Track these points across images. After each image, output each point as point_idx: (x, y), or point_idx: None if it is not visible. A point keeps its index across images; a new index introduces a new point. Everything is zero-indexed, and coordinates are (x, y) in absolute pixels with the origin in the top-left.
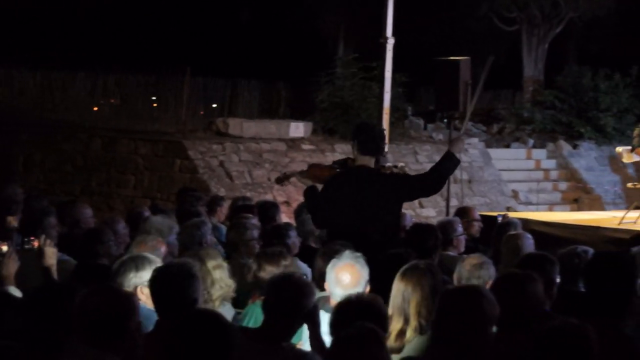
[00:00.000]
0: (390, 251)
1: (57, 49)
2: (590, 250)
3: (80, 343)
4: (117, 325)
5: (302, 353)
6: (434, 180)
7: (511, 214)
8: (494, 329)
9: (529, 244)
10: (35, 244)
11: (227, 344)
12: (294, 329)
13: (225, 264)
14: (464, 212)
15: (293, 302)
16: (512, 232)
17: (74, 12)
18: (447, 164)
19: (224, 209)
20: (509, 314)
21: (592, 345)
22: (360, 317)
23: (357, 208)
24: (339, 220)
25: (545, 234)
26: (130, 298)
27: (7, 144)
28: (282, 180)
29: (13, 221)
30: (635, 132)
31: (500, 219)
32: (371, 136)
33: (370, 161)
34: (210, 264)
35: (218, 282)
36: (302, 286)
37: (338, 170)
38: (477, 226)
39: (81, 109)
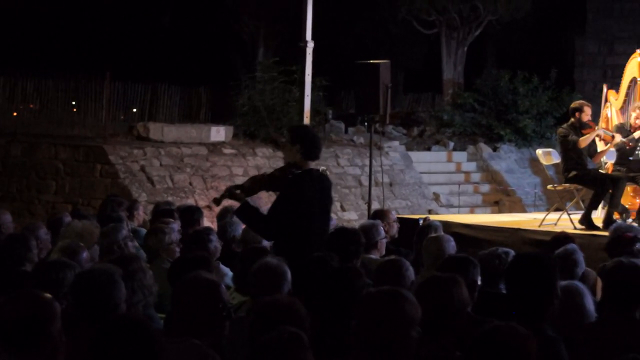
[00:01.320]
0: (314, 255)
1: None
2: (511, 252)
3: (1, 350)
4: (37, 331)
5: (206, 351)
6: None
7: (432, 217)
8: (417, 332)
9: (449, 246)
10: None
11: (152, 349)
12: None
13: (147, 269)
14: (382, 215)
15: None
16: (433, 235)
17: None
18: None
19: (141, 213)
20: (433, 317)
21: (530, 350)
22: (280, 320)
23: (322, 212)
24: (310, 225)
25: (466, 236)
26: (52, 303)
27: None
28: (220, 200)
29: None
30: (562, 132)
31: (421, 222)
32: (315, 141)
33: (311, 165)
34: (133, 268)
35: (141, 287)
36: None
37: (290, 175)
38: (396, 227)
39: (0, 114)
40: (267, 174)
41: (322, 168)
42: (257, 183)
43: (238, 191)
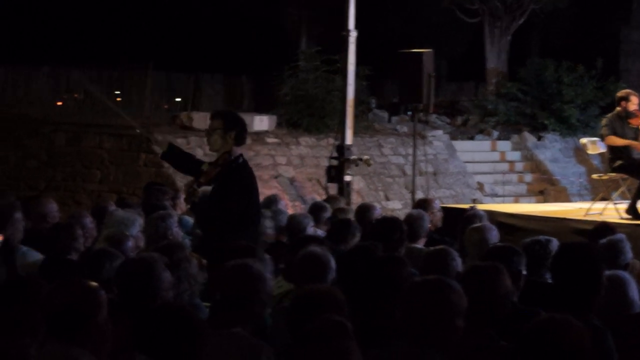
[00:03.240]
0: (357, 244)
1: (20, 44)
2: (553, 240)
3: (48, 338)
4: (85, 319)
5: (251, 340)
6: None
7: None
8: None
9: (492, 235)
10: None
11: (195, 338)
12: (246, 316)
13: (193, 257)
14: (426, 204)
15: (243, 290)
16: (475, 225)
17: (37, 6)
18: None
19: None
20: (477, 307)
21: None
22: (318, 309)
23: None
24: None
25: (511, 225)
26: (98, 292)
27: None
28: (191, 196)
29: None
30: (603, 122)
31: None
32: (245, 127)
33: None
34: (178, 257)
35: (184, 276)
36: (254, 273)
37: (234, 164)
38: (440, 217)
39: (45, 104)
40: (210, 168)
41: (365, 157)
42: (210, 177)
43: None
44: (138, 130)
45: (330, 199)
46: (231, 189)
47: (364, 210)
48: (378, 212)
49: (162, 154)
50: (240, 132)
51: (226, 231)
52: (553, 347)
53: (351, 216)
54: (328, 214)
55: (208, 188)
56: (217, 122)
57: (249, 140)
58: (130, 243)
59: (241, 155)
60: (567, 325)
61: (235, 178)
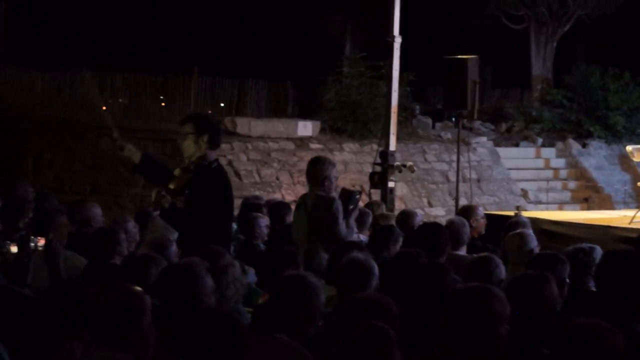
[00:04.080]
0: (400, 250)
1: (66, 48)
2: (597, 247)
3: (93, 342)
4: (129, 323)
5: (293, 346)
6: None
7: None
8: (506, 329)
9: (531, 242)
10: (41, 242)
11: (238, 344)
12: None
13: (237, 262)
14: (469, 211)
15: (296, 298)
16: (514, 232)
17: (83, 11)
18: None
19: None
20: (523, 315)
21: (616, 345)
22: (370, 317)
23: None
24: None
25: (555, 233)
26: (142, 296)
27: (16, 144)
28: (159, 201)
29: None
30: None
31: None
32: (219, 130)
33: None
34: (222, 262)
35: (231, 281)
36: (308, 284)
37: (208, 169)
38: (483, 224)
39: (90, 108)
40: (182, 174)
41: (409, 164)
42: (181, 183)
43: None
44: (114, 136)
45: (372, 205)
46: (205, 194)
47: (406, 216)
48: (419, 219)
49: (135, 166)
50: (213, 136)
51: (198, 236)
52: (584, 350)
53: (393, 222)
54: (370, 219)
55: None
56: (187, 126)
57: (292, 146)
58: (174, 248)
59: (216, 160)
60: (598, 329)
61: (209, 183)
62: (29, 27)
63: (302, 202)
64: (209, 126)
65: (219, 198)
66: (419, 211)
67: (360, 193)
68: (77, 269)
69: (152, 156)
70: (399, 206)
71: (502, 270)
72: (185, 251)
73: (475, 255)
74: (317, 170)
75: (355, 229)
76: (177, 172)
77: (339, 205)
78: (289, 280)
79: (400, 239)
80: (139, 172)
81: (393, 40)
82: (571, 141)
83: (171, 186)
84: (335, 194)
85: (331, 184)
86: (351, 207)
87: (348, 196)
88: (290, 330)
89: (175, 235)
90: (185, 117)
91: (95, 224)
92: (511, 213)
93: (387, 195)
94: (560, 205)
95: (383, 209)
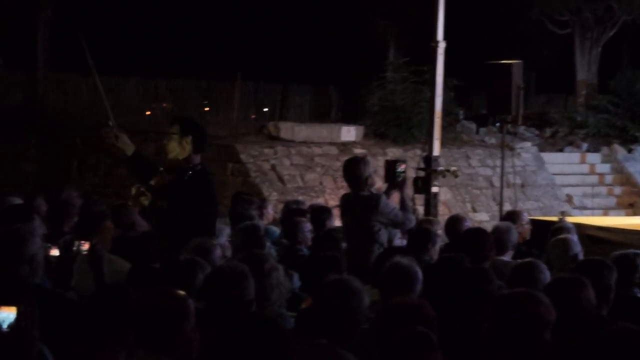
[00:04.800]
0: (444, 255)
1: (110, 54)
2: None
3: (136, 346)
4: (173, 328)
5: (338, 351)
6: None
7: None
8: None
9: (574, 248)
10: (85, 246)
11: (281, 349)
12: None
13: (280, 267)
14: (514, 216)
15: (339, 303)
16: (557, 237)
17: (127, 17)
18: None
19: (270, 211)
20: (562, 319)
21: None
22: (408, 322)
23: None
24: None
25: (599, 238)
26: (186, 300)
27: (61, 149)
28: (139, 197)
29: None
30: None
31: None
32: (205, 133)
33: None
34: (266, 266)
35: (275, 285)
36: (352, 289)
37: (191, 171)
38: (527, 229)
39: (134, 113)
40: (165, 174)
41: (452, 169)
42: (163, 182)
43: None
44: (110, 124)
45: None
46: (187, 197)
47: (454, 221)
48: (468, 224)
49: (126, 158)
50: (197, 139)
51: (180, 238)
52: (621, 354)
53: (438, 227)
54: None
55: None
56: (174, 127)
57: (335, 150)
58: (218, 252)
59: (200, 163)
60: (634, 333)
61: (192, 186)
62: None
63: (346, 204)
64: (194, 129)
65: (201, 200)
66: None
67: (404, 162)
68: (121, 273)
69: (142, 154)
70: (442, 211)
71: (547, 276)
72: (168, 252)
73: (519, 260)
74: (357, 173)
75: (399, 234)
76: (161, 170)
77: (385, 198)
78: (332, 285)
79: (438, 241)
80: (128, 166)
81: (437, 45)
82: (616, 146)
83: (152, 182)
84: (375, 190)
85: (373, 181)
86: (398, 177)
87: (393, 167)
88: (333, 334)
89: (221, 239)
90: (172, 118)
91: (139, 228)
92: (555, 218)
93: (431, 201)
94: (605, 210)
95: (419, 214)
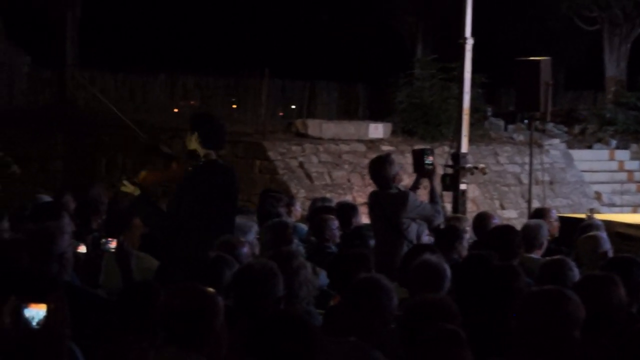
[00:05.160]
0: (472, 253)
1: (138, 52)
2: None
3: (165, 343)
4: (202, 325)
5: (366, 349)
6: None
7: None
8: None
9: (603, 245)
10: (113, 244)
11: (309, 346)
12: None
13: (308, 264)
14: (543, 213)
15: (369, 301)
16: (586, 234)
17: (154, 15)
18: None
19: (298, 208)
20: (592, 317)
21: None
22: (431, 319)
23: (221, 208)
24: (207, 222)
25: (629, 235)
26: (215, 298)
27: (90, 146)
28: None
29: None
30: None
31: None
32: (215, 128)
33: (214, 156)
34: (294, 263)
35: (303, 282)
36: (381, 287)
37: (191, 167)
38: (556, 226)
39: (162, 110)
40: (162, 167)
41: (481, 166)
42: (152, 176)
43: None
44: (143, 137)
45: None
46: (184, 192)
47: (482, 218)
48: (496, 222)
49: (130, 205)
50: (202, 134)
51: (180, 235)
52: None
53: (466, 225)
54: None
55: None
56: (189, 124)
57: (363, 148)
58: (246, 249)
59: (208, 158)
60: None
61: (190, 181)
62: (102, 30)
63: (374, 202)
64: (200, 124)
65: (198, 196)
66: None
67: (432, 153)
68: (150, 270)
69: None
70: (470, 209)
71: (575, 274)
72: (166, 247)
73: (548, 258)
74: (383, 173)
75: (427, 231)
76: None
77: (412, 194)
78: (362, 283)
79: (465, 238)
80: (132, 209)
81: (465, 42)
82: None
83: (138, 178)
84: (402, 187)
85: (400, 178)
86: (428, 167)
87: (420, 154)
88: (362, 332)
89: (249, 236)
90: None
91: None
92: (584, 216)
93: (459, 198)
94: (635, 207)
95: (447, 212)
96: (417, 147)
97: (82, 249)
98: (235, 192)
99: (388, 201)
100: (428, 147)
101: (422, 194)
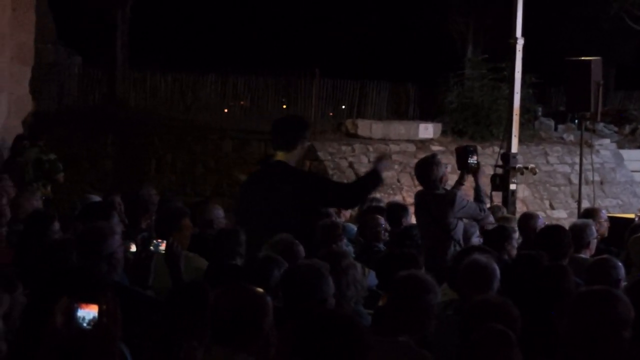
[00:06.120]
0: (522, 253)
1: (188, 52)
2: None
3: (214, 342)
4: (251, 325)
5: (416, 350)
6: (351, 194)
7: None
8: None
9: None
10: (163, 246)
11: (359, 346)
12: (413, 326)
13: (357, 264)
14: (592, 213)
15: (414, 298)
16: (637, 235)
17: (204, 15)
18: (369, 181)
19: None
20: None
21: None
22: (491, 320)
23: (265, 208)
24: (252, 220)
25: None
26: (265, 297)
27: (140, 147)
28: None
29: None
30: None
31: (638, 219)
32: (276, 129)
33: (287, 156)
34: (344, 263)
35: (352, 282)
36: (425, 284)
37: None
38: (606, 226)
39: (212, 110)
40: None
41: (531, 166)
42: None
43: None
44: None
45: (492, 208)
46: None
47: (527, 218)
48: (541, 222)
49: None
50: (272, 137)
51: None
52: None
53: (515, 225)
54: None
55: None
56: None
57: (413, 148)
58: (298, 249)
59: (263, 163)
60: None
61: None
62: (152, 30)
63: (421, 202)
64: (271, 129)
65: (256, 199)
66: (540, 214)
67: (476, 152)
68: (200, 271)
69: None
70: (520, 209)
71: (619, 271)
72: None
73: (595, 257)
74: (429, 175)
75: (478, 232)
76: None
77: (460, 194)
78: (403, 280)
79: (515, 238)
80: None
81: (515, 42)
82: None
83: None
84: (449, 186)
85: (447, 178)
86: (470, 160)
87: (464, 152)
88: (408, 330)
89: None
90: None
91: (217, 225)
92: (633, 215)
93: (509, 198)
94: None
95: (504, 212)
96: (462, 146)
97: (133, 248)
98: (274, 196)
99: (435, 201)
100: (472, 145)
101: (467, 189)
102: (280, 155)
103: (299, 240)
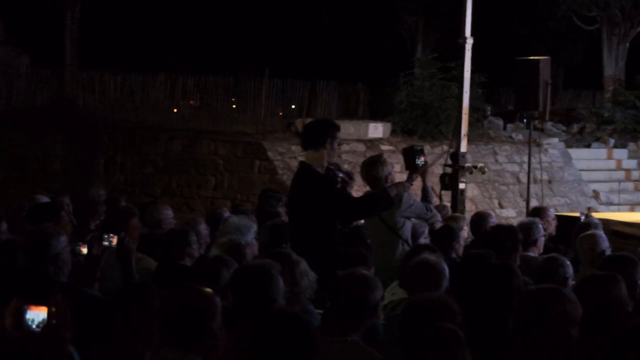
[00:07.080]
0: (470, 251)
1: (137, 52)
2: None
3: (163, 343)
4: (200, 325)
5: (366, 349)
6: (354, 210)
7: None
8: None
9: (602, 244)
10: (114, 240)
11: (309, 345)
12: (359, 324)
13: (302, 260)
14: (540, 212)
15: (358, 297)
16: (585, 233)
17: (154, 15)
18: (378, 202)
19: None
20: (592, 316)
21: None
22: (431, 317)
23: (293, 205)
24: (290, 216)
25: (626, 234)
26: (213, 298)
27: (88, 147)
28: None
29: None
30: None
31: (582, 217)
32: (303, 131)
33: (313, 155)
34: (292, 258)
35: (304, 273)
36: (367, 281)
37: None
38: (554, 225)
39: (161, 110)
40: None
41: (480, 165)
42: None
43: None
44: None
45: (437, 207)
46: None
47: (480, 218)
48: (493, 221)
49: None
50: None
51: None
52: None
53: (464, 224)
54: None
55: None
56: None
57: (363, 147)
58: (250, 249)
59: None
60: None
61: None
62: (101, 31)
63: None
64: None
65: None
66: (491, 213)
67: (423, 153)
68: (148, 271)
69: None
70: (469, 208)
71: (566, 269)
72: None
73: (545, 256)
74: (374, 174)
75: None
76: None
77: (406, 194)
78: (344, 280)
79: (461, 237)
80: None
81: (465, 42)
82: None
83: None
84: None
85: (392, 177)
86: (418, 161)
87: (411, 152)
88: (357, 329)
89: (248, 236)
90: None
91: (166, 225)
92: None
93: (458, 197)
94: (632, 206)
95: (448, 211)
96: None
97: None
98: (297, 191)
99: None
100: (419, 145)
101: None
102: (305, 155)
103: (314, 240)
